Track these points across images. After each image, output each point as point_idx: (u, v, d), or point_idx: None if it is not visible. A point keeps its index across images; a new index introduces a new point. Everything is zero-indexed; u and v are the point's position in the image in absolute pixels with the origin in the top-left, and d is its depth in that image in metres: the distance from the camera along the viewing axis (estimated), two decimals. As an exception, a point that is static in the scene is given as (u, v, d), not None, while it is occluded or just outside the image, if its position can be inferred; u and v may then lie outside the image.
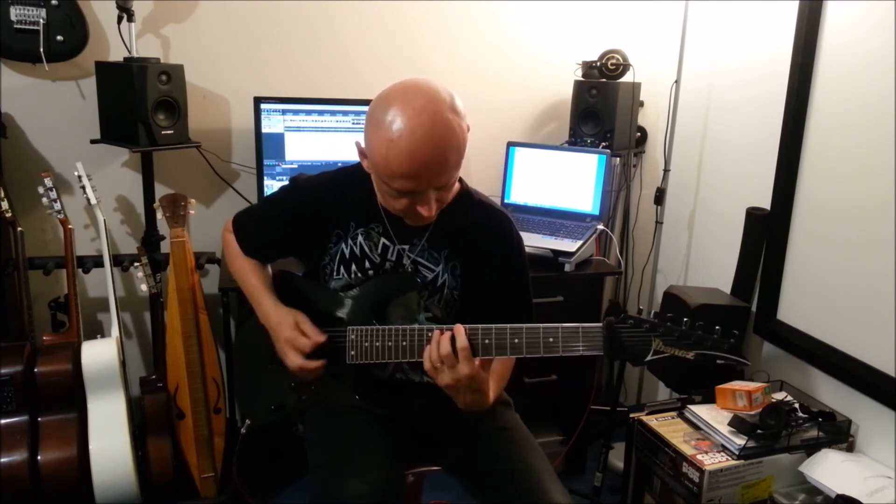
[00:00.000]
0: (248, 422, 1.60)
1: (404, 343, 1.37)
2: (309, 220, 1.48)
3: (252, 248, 1.57)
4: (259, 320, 1.51)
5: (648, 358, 1.23)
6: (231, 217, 1.63)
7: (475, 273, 1.47)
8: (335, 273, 1.48)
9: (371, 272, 1.47)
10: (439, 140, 1.23)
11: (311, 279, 1.54)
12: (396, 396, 1.51)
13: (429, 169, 1.25)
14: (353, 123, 2.39)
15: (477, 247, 1.47)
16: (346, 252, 1.47)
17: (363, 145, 1.33)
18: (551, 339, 1.28)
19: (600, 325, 1.26)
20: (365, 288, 1.46)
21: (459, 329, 1.29)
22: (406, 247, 1.46)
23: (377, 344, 1.39)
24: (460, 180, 1.46)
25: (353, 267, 1.47)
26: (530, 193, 2.56)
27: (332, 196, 1.48)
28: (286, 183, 1.60)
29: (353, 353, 1.42)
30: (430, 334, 1.34)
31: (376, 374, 1.51)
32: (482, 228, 1.48)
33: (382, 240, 1.46)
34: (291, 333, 1.41)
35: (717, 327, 1.23)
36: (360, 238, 1.46)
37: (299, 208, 1.49)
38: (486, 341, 1.30)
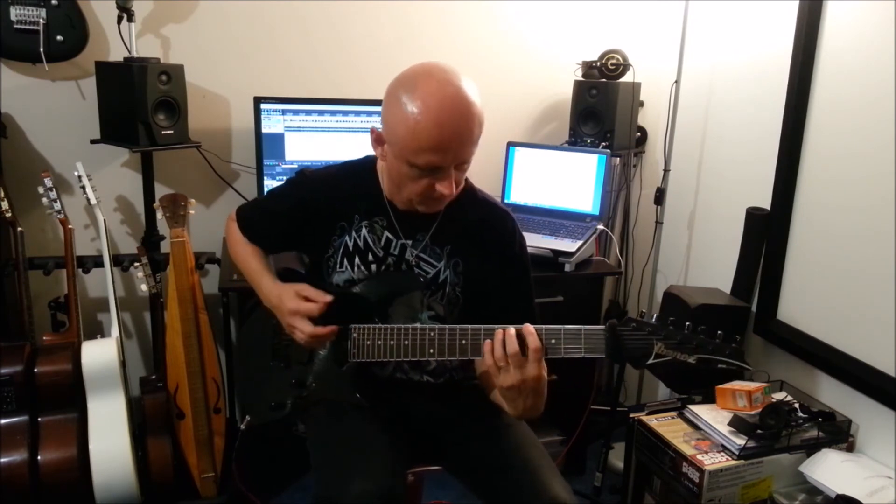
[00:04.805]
0: (247, 417, 1.60)
1: (406, 342, 1.37)
2: (314, 214, 1.49)
3: (256, 236, 1.58)
4: (263, 312, 1.51)
5: (650, 361, 1.24)
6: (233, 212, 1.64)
7: (477, 270, 1.48)
8: (339, 266, 1.48)
9: (374, 265, 1.47)
10: (465, 111, 1.26)
11: (314, 276, 1.54)
12: (397, 395, 1.51)
13: (456, 140, 1.27)
14: (353, 123, 2.39)
15: (479, 244, 1.48)
16: (350, 244, 1.47)
17: (380, 129, 1.35)
18: (553, 341, 1.28)
19: (602, 327, 1.26)
20: (368, 286, 1.47)
21: (530, 329, 1.26)
22: (409, 242, 1.47)
23: (379, 342, 1.39)
24: (465, 178, 1.46)
25: (357, 260, 1.47)
26: (530, 193, 2.56)
27: (337, 189, 1.49)
28: (292, 176, 1.60)
29: (354, 350, 1.42)
30: (432, 334, 1.34)
31: (376, 373, 1.51)
32: (485, 226, 1.49)
33: (386, 233, 1.47)
34: (295, 303, 1.40)
35: (718, 332, 1.23)
36: (363, 231, 1.47)
37: (305, 202, 1.50)
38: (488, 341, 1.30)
